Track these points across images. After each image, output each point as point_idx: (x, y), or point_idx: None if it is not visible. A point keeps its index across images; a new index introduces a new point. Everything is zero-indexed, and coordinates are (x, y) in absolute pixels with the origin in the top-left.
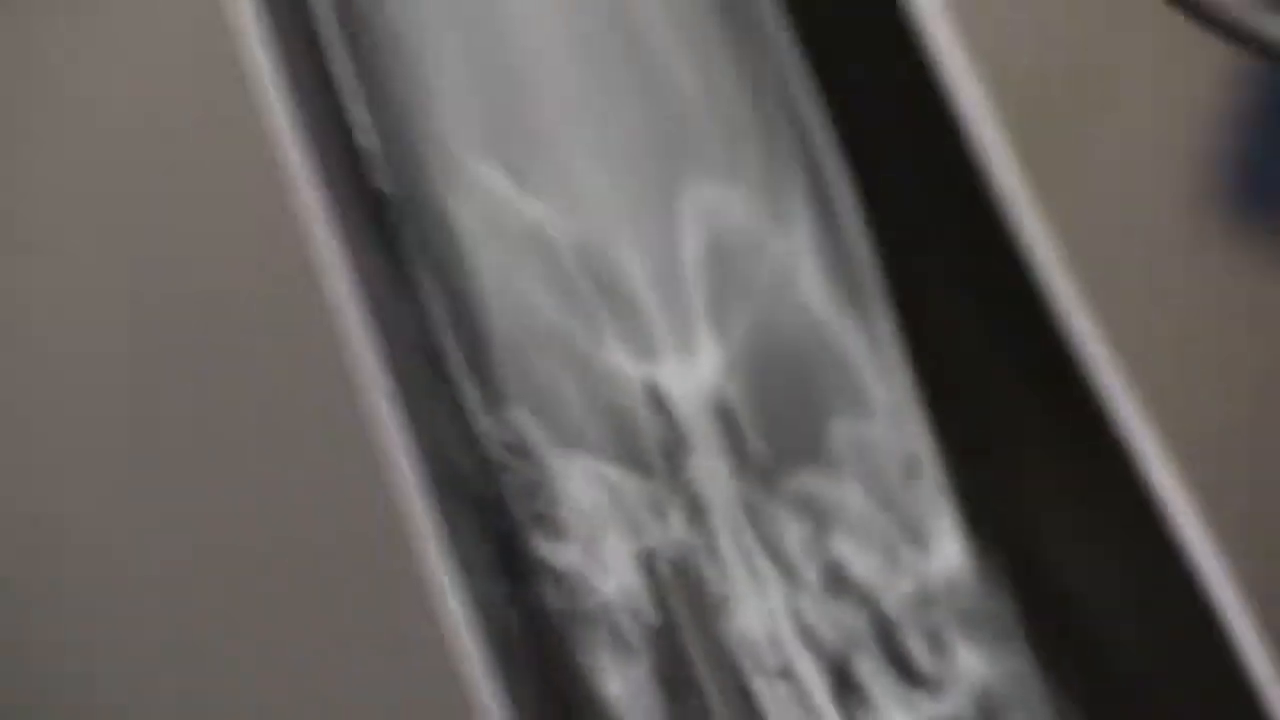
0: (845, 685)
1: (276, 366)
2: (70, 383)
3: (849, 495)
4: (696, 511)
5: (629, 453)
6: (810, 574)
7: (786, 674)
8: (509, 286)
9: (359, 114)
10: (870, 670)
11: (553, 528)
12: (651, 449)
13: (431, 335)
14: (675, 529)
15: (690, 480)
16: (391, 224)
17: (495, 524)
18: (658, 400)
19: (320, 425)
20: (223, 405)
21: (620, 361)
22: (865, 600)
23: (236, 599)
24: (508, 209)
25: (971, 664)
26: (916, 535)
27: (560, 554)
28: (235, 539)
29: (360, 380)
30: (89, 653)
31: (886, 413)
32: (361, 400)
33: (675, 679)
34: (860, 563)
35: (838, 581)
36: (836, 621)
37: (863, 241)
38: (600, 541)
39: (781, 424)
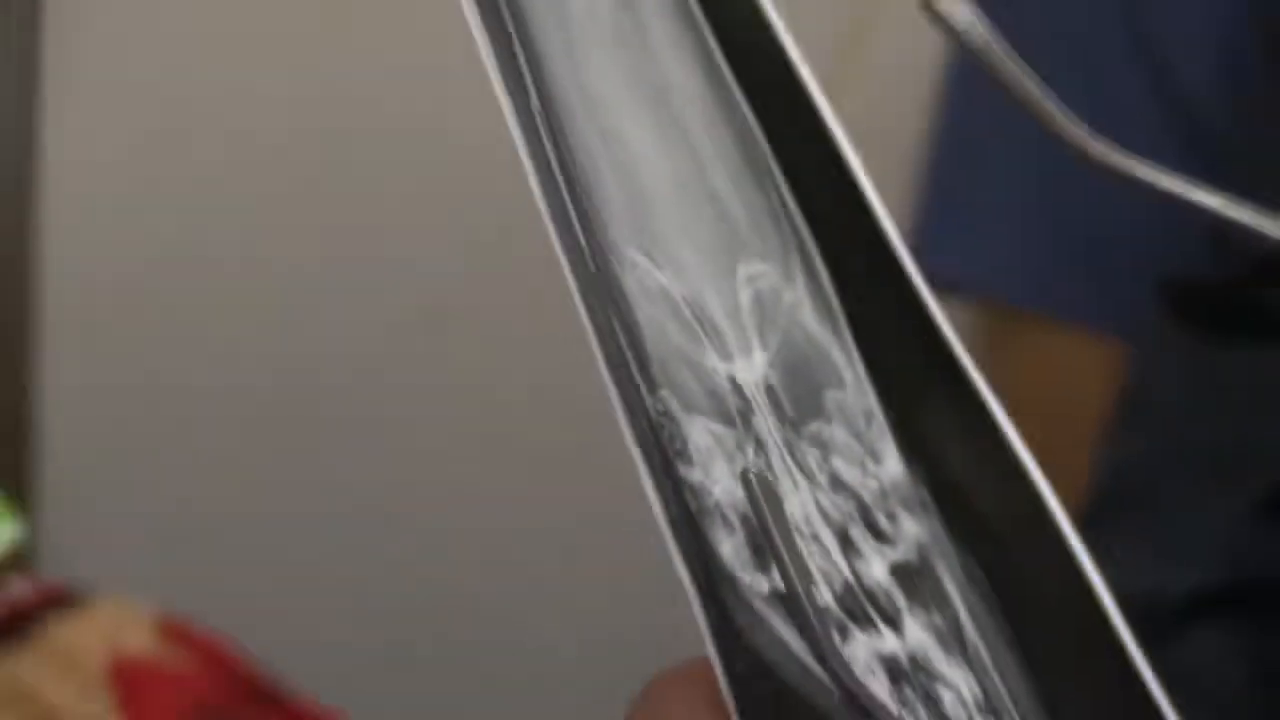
0: (847, 543)
1: (556, 368)
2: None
3: (838, 434)
4: (760, 446)
5: (722, 415)
6: (822, 480)
7: (815, 539)
8: (654, 323)
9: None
10: (859, 534)
11: (687, 459)
12: (734, 413)
13: (622, 351)
14: (750, 458)
15: (755, 429)
16: (597, 290)
17: (664, 456)
18: (735, 384)
19: (576, 401)
20: (522, 391)
21: (715, 363)
22: (852, 494)
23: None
24: (649, 278)
25: (912, 529)
26: (876, 456)
27: (691, 474)
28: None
29: (600, 378)
30: None
31: (853, 386)
32: (603, 390)
33: (757, 544)
34: (848, 473)
35: (836, 483)
36: (838, 507)
37: (831, 289)
38: (711, 466)
39: (799, 395)
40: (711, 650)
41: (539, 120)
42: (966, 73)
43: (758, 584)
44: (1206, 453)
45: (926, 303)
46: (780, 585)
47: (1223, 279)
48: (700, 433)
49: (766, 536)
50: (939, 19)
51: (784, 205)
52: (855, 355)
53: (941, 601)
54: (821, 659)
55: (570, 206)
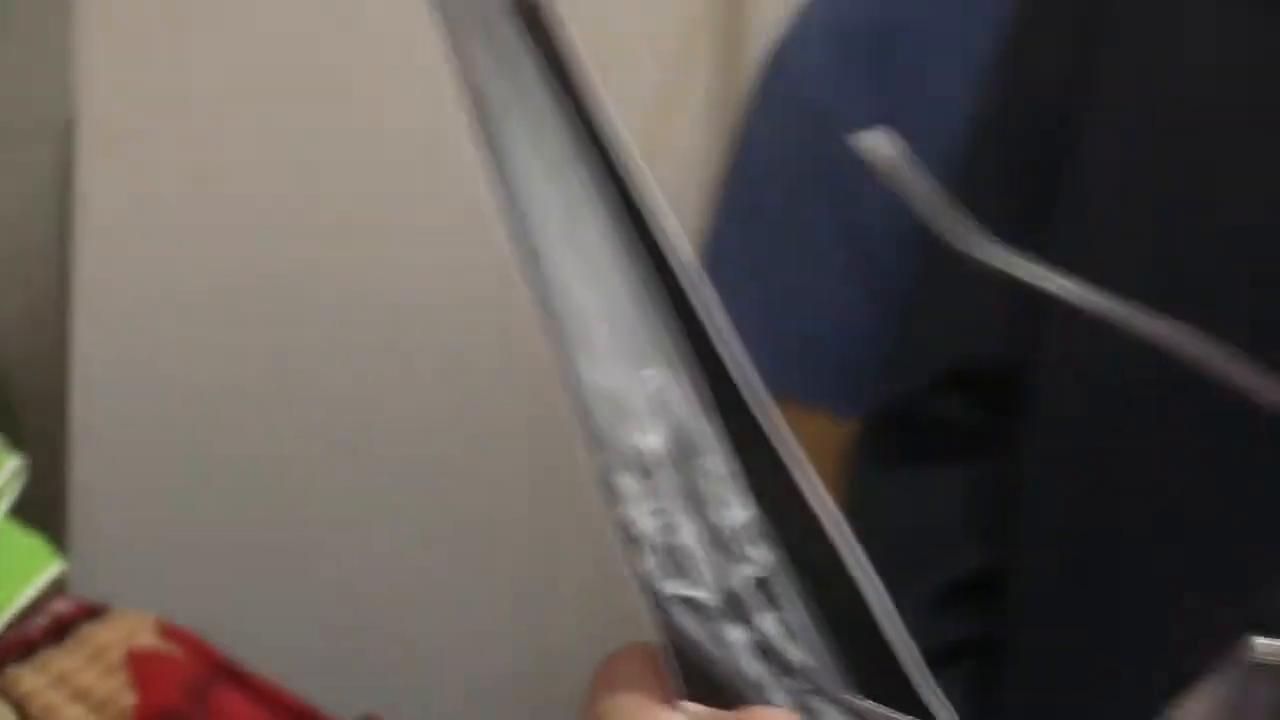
0: (723, 561)
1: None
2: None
3: (712, 488)
4: (663, 495)
5: (639, 471)
6: (705, 518)
7: (705, 558)
8: (597, 406)
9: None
10: (731, 556)
11: (621, 500)
12: (645, 470)
13: (585, 423)
14: (657, 503)
15: (659, 482)
16: (571, 384)
17: (612, 498)
18: (645, 451)
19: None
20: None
21: (631, 435)
22: (724, 528)
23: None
24: (593, 375)
25: (762, 554)
26: (736, 503)
27: (626, 511)
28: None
29: (576, 441)
30: None
31: (719, 456)
32: (578, 451)
33: (665, 564)
34: (721, 514)
35: (713, 522)
36: (717, 537)
37: (702, 388)
38: (634, 507)
39: (686, 459)
40: (655, 635)
41: (536, 279)
42: (725, 202)
43: (669, 589)
44: (890, 555)
45: (749, 399)
46: (683, 593)
47: (894, 399)
48: (627, 483)
49: (681, 556)
50: (869, 151)
51: (666, 327)
52: (720, 434)
53: (784, 603)
54: (718, 643)
55: (555, 330)
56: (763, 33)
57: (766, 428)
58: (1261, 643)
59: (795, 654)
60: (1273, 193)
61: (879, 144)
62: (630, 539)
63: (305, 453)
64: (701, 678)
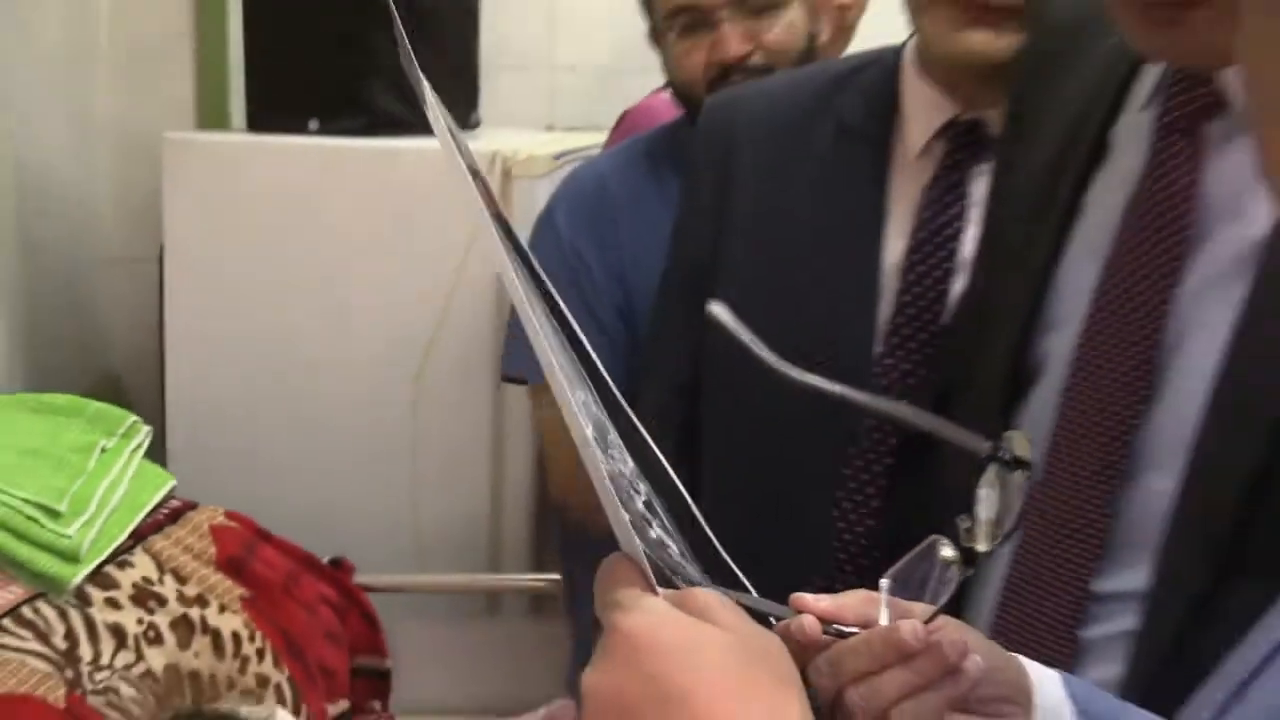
0: (632, 490)
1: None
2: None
3: (615, 451)
4: (607, 452)
5: (597, 442)
6: (616, 467)
7: (630, 490)
8: (580, 409)
9: None
10: (633, 487)
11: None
12: (598, 439)
13: (578, 417)
14: (607, 456)
15: (604, 444)
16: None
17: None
18: (590, 433)
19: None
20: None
21: (582, 424)
22: (624, 473)
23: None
24: (569, 393)
25: (644, 486)
26: (626, 458)
27: (599, 468)
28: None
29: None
30: None
31: (616, 433)
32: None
33: (621, 496)
34: (622, 465)
35: (620, 468)
36: (626, 475)
37: (599, 400)
38: (601, 468)
39: (604, 434)
40: (636, 543)
41: (535, 348)
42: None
43: (627, 516)
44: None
45: (619, 399)
46: (628, 517)
47: (648, 405)
48: (596, 454)
49: (622, 495)
50: (712, 318)
51: (581, 364)
52: (609, 420)
53: (660, 515)
54: (648, 545)
55: (551, 375)
56: (521, 205)
57: (628, 413)
58: (940, 540)
59: (672, 546)
60: (840, 274)
61: (720, 311)
62: (604, 487)
63: (298, 416)
64: (659, 574)
